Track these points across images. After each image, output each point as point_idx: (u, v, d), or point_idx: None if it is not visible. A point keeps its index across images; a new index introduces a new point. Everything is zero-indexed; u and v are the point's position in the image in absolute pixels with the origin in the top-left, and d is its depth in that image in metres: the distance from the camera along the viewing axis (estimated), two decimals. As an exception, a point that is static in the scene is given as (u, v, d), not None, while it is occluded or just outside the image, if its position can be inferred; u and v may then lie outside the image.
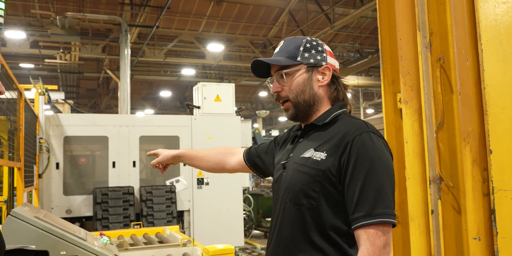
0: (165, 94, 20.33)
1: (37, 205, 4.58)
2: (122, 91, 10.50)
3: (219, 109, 6.15)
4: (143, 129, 5.80)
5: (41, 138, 4.60)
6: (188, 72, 16.60)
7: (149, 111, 22.73)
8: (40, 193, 4.77)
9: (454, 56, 2.01)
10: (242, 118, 6.50)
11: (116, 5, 12.00)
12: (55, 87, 4.99)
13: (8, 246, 1.43)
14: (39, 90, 4.53)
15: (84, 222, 5.42)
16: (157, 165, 1.85)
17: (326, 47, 1.53)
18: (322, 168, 1.34)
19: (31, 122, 4.56)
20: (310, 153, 1.39)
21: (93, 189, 5.35)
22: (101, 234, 2.25)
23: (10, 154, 3.11)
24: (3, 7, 2.18)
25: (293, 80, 1.48)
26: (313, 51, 1.49)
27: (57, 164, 5.32)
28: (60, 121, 5.35)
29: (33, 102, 4.60)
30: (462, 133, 1.91)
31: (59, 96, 6.07)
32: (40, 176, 4.62)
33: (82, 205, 5.40)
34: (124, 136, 5.67)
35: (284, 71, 1.49)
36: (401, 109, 2.31)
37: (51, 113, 5.90)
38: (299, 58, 1.48)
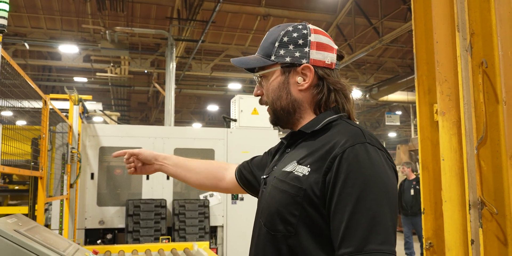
0: (213, 108, 20.50)
1: (67, 214, 4.56)
2: (167, 104, 10.60)
3: (256, 122, 5.97)
4: (178, 141, 5.72)
5: (73, 148, 4.60)
6: (234, 86, 16.65)
7: (197, 124, 23.01)
8: (72, 203, 4.75)
9: (499, 59, 1.73)
10: (281, 132, 6.30)
11: (165, 20, 12.25)
12: (90, 97, 5.01)
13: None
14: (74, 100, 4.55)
15: (116, 234, 5.37)
16: (129, 158, 1.52)
17: (314, 37, 1.20)
18: (303, 187, 1.06)
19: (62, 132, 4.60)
20: (292, 167, 1.13)
21: (126, 201, 5.30)
22: (94, 252, 2.11)
23: (32, 163, 3.07)
24: (7, 9, 2.13)
25: (269, 84, 1.23)
26: (290, 47, 1.20)
27: (92, 175, 5.32)
28: (96, 131, 5.37)
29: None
30: (509, 150, 1.63)
31: (96, 106, 6.14)
32: (71, 186, 4.61)
33: (115, 216, 5.35)
34: (158, 148, 5.61)
35: (259, 73, 1.25)
36: (438, 122, 2.03)
37: (97, 123, 5.97)
38: (272, 57, 1.21)
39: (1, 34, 2.05)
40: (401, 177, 9.03)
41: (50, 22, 12.74)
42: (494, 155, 1.74)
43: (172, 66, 10.69)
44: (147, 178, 5.53)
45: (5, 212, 6.48)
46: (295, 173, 1.10)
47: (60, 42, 11.91)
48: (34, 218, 3.99)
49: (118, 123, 6.86)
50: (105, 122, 9.32)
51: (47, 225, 5.26)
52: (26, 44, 11.20)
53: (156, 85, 13.79)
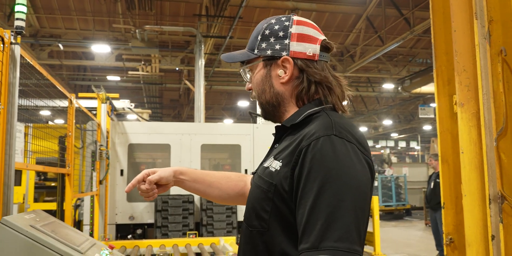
0: (243, 104, 20.57)
1: (97, 210, 4.68)
2: (197, 101, 10.70)
3: (282, 117, 5.95)
4: (205, 137, 5.77)
5: (101, 145, 4.70)
6: (264, 81, 16.60)
7: (228, 120, 23.15)
8: (102, 199, 4.87)
9: (519, 47, 1.65)
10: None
11: (194, 17, 12.34)
12: (117, 95, 5.10)
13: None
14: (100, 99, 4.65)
15: (146, 229, 5.48)
16: (150, 185, 1.34)
17: (296, 29, 1.17)
18: (274, 182, 1.04)
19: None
20: (269, 162, 1.11)
21: (155, 197, 5.39)
22: (110, 247, 2.15)
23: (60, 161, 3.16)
24: (25, 11, 2.19)
25: (254, 78, 1.23)
26: (271, 39, 1.18)
27: (121, 171, 5.44)
28: (125, 129, 5.48)
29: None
30: (529, 141, 1.55)
31: (124, 104, 6.27)
32: (100, 182, 4.72)
33: (145, 212, 5.46)
34: (186, 144, 5.68)
35: (243, 67, 1.24)
36: (457, 114, 1.95)
37: (129, 120, 6.09)
38: (256, 51, 1.20)
39: (19, 36, 2.11)
40: (431, 170, 8.85)
41: (83, 22, 13.07)
42: (515, 147, 1.66)
43: (200, 63, 10.77)
44: (175, 174, 5.60)
45: (40, 208, 6.71)
46: (270, 168, 1.09)
47: (93, 42, 12.21)
48: (62, 213, 4.11)
49: (147, 120, 6.97)
50: (138, 119, 9.50)
51: (80, 221, 5.42)
52: (60, 45, 11.53)
53: (187, 82, 13.95)
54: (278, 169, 1.05)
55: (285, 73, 1.17)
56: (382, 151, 31.15)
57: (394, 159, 24.70)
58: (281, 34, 1.18)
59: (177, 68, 14.50)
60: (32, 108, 2.67)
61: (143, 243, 4.26)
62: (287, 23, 1.19)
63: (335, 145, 0.99)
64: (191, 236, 4.66)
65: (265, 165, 1.12)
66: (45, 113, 12.02)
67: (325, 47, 1.19)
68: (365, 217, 0.98)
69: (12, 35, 2.05)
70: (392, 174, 15.27)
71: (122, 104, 6.12)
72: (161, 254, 3.69)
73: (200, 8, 12.17)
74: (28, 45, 12.95)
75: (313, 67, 1.16)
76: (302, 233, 0.94)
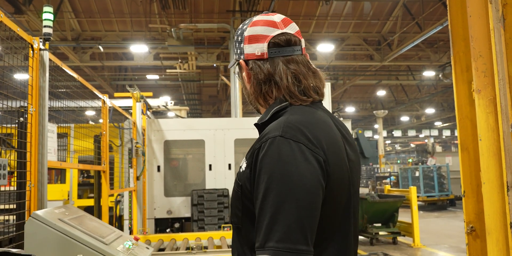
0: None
1: (135, 205, 4.86)
2: (233, 96, 10.82)
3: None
4: (238, 132, 5.85)
5: (137, 143, 4.87)
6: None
7: (267, 115, 23.21)
8: (139, 194, 5.06)
9: (533, 30, 1.60)
10: (341, 118, 6.21)
11: (228, 13, 12.45)
12: (150, 94, 5.26)
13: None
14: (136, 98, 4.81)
15: (183, 222, 5.63)
16: None
17: (248, 31, 1.21)
18: (240, 182, 1.10)
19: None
20: (242, 162, 1.15)
21: (191, 191, 5.54)
22: (135, 238, 2.25)
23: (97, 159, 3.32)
24: (52, 18, 2.31)
25: None
26: (237, 45, 1.25)
27: (158, 167, 5.62)
28: (160, 126, 5.65)
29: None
30: (545, 127, 1.51)
31: (163, 102, 6.44)
32: (137, 178, 4.90)
33: (182, 206, 5.61)
34: (219, 139, 5.78)
35: (236, 73, 1.34)
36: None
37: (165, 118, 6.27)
38: (235, 56, 1.28)
39: (47, 42, 2.24)
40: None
41: (122, 24, 13.47)
42: (532, 133, 1.63)
43: (235, 58, 10.87)
44: (210, 168, 5.73)
45: (83, 204, 7.03)
46: (240, 169, 1.13)
47: (131, 43, 12.56)
48: (99, 209, 4.30)
49: (183, 118, 7.12)
50: (176, 116, 9.72)
51: (121, 216, 5.65)
52: (100, 47, 11.94)
53: (223, 78, 14.10)
54: (244, 169, 1.10)
55: (247, 75, 1.24)
56: (426, 140, 30.37)
57: (438, 148, 24.01)
58: (239, 38, 1.24)
59: (214, 65, 14.69)
60: (74, 109, 2.82)
61: (180, 236, 4.41)
62: (244, 27, 1.24)
63: (279, 146, 1.01)
64: (225, 229, 4.77)
65: (241, 164, 1.17)
66: (88, 113, 12.49)
67: (275, 43, 1.20)
68: (315, 215, 0.99)
69: (40, 41, 2.19)
70: (434, 164, 14.88)
71: (158, 102, 6.29)
72: (195, 247, 3.81)
73: (234, 3, 12.26)
74: (71, 49, 13.49)
75: (258, 66, 1.19)
76: (255, 233, 1.00)
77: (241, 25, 1.28)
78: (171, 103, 8.33)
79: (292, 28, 1.24)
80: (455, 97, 2.11)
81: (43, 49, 2.19)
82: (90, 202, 7.13)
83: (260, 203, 0.99)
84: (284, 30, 1.21)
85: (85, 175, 8.25)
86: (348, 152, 1.15)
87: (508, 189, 1.68)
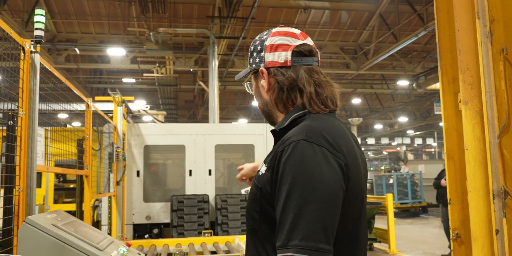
0: (257, 103, 20.61)
1: (115, 211, 4.79)
2: (211, 102, 10.81)
3: (295, 116, 6.00)
4: (219, 137, 5.85)
5: (118, 147, 4.82)
6: (278, 81, 16.63)
7: (243, 120, 23.25)
8: (119, 199, 4.99)
9: (519, 45, 1.68)
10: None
11: (207, 19, 12.46)
12: (132, 98, 5.22)
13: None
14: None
15: (162, 228, 5.58)
16: (243, 178, 1.70)
17: (269, 41, 1.27)
18: (259, 185, 1.13)
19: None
20: (260, 166, 1.19)
21: (171, 197, 5.50)
22: (127, 244, 2.23)
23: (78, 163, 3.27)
24: (44, 21, 2.29)
25: (252, 90, 1.36)
26: (254, 54, 1.31)
27: (138, 172, 5.56)
28: (140, 131, 5.60)
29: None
30: (531, 138, 1.58)
31: (142, 107, 6.38)
32: (118, 183, 4.84)
33: (161, 211, 5.56)
34: (200, 144, 5.77)
35: (245, 82, 1.41)
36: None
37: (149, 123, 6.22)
38: (249, 66, 1.33)
39: (38, 45, 2.21)
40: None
41: (99, 26, 13.29)
42: (517, 143, 1.70)
43: (214, 63, 10.88)
44: (190, 174, 5.70)
45: (59, 209, 6.85)
46: (259, 172, 1.17)
47: (108, 46, 12.41)
48: (81, 214, 4.22)
49: (162, 122, 7.08)
50: (153, 121, 9.64)
51: (98, 221, 5.56)
52: (76, 49, 11.75)
53: (201, 83, 14.07)
54: (264, 172, 1.14)
55: (265, 82, 1.28)
56: (398, 148, 30.91)
57: (410, 156, 24.51)
58: (259, 48, 1.29)
59: (191, 70, 14.65)
60: (51, 112, 2.78)
61: (160, 242, 4.37)
62: (264, 37, 1.30)
63: (303, 149, 1.06)
64: (206, 235, 4.75)
65: (259, 168, 1.21)
66: (63, 116, 12.25)
67: (298, 52, 1.26)
68: (335, 216, 1.03)
69: (32, 44, 2.16)
70: (407, 172, 15.17)
71: (137, 106, 6.24)
72: (177, 253, 3.78)
73: (213, 9, 12.28)
74: (46, 50, 13.22)
75: (283, 73, 1.24)
76: (276, 232, 1.04)
77: (258, 37, 1.34)
78: (146, 107, 8.27)
79: (310, 41, 1.31)
80: (442, 108, 2.19)
81: (34, 52, 2.16)
82: (66, 207, 6.99)
83: (282, 203, 1.03)
84: (304, 41, 1.28)
85: (61, 179, 8.08)
86: (360, 160, 1.19)
87: (494, 197, 1.76)
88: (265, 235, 1.13)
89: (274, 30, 1.30)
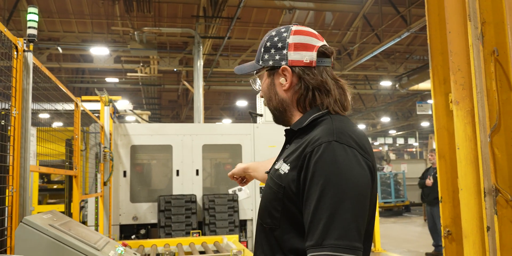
0: (242, 103, 20.64)
1: (102, 211, 4.75)
2: (196, 102, 10.78)
3: (282, 116, 6.02)
4: (206, 137, 5.84)
5: (105, 147, 4.78)
6: (262, 81, 16.67)
7: (227, 120, 23.23)
8: (106, 200, 4.95)
9: (510, 47, 1.73)
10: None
11: (192, 18, 12.41)
12: (119, 97, 5.18)
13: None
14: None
15: (149, 229, 5.55)
16: (234, 176, 1.78)
17: (292, 39, 1.26)
18: (282, 184, 1.15)
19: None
20: (279, 164, 1.21)
21: (158, 197, 5.47)
22: (123, 244, 2.22)
23: (67, 163, 3.24)
24: (37, 19, 2.27)
25: (262, 87, 1.35)
26: (272, 51, 1.29)
27: (124, 172, 5.51)
28: (127, 130, 5.56)
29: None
30: (521, 137, 1.63)
31: (128, 106, 6.35)
32: (105, 183, 4.80)
33: (148, 212, 5.53)
34: (187, 144, 5.75)
35: (252, 77, 1.38)
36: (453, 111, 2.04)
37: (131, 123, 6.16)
38: (260, 62, 1.31)
39: (31, 43, 2.18)
40: (429, 165, 8.99)
41: (81, 25, 13.12)
42: (508, 142, 1.75)
43: (199, 63, 10.85)
44: (177, 174, 5.68)
45: (44, 210, 6.76)
46: (280, 171, 1.18)
47: (91, 45, 12.26)
48: (70, 215, 4.18)
49: (147, 122, 7.04)
50: (137, 121, 9.56)
51: (84, 222, 5.50)
52: (59, 48, 11.59)
53: (185, 83, 14.01)
54: (287, 172, 1.15)
55: (286, 81, 1.27)
56: (380, 148, 31.25)
57: (392, 156, 24.81)
58: (279, 45, 1.28)
59: (175, 69, 14.58)
60: (40, 111, 2.75)
61: (148, 243, 4.34)
62: (285, 34, 1.28)
63: (335, 150, 1.08)
64: (194, 235, 4.74)
65: (276, 167, 1.22)
66: (47, 116, 12.08)
67: (322, 53, 1.27)
68: (365, 215, 1.07)
69: (25, 42, 2.13)
70: (390, 171, 15.37)
71: (122, 105, 6.19)
72: (167, 253, 3.77)
73: (198, 9, 12.24)
74: (27, 49, 12.98)
75: (310, 73, 1.25)
76: (307, 231, 1.06)
77: (274, 32, 1.32)
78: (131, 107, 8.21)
79: (325, 42, 1.33)
80: (433, 108, 2.24)
81: (27, 51, 2.13)
82: (51, 208, 6.88)
83: (315, 203, 1.05)
84: (324, 42, 1.30)
85: (45, 179, 7.96)
86: None
87: (485, 195, 1.81)
88: (285, 233, 1.14)
89: (294, 28, 1.30)
